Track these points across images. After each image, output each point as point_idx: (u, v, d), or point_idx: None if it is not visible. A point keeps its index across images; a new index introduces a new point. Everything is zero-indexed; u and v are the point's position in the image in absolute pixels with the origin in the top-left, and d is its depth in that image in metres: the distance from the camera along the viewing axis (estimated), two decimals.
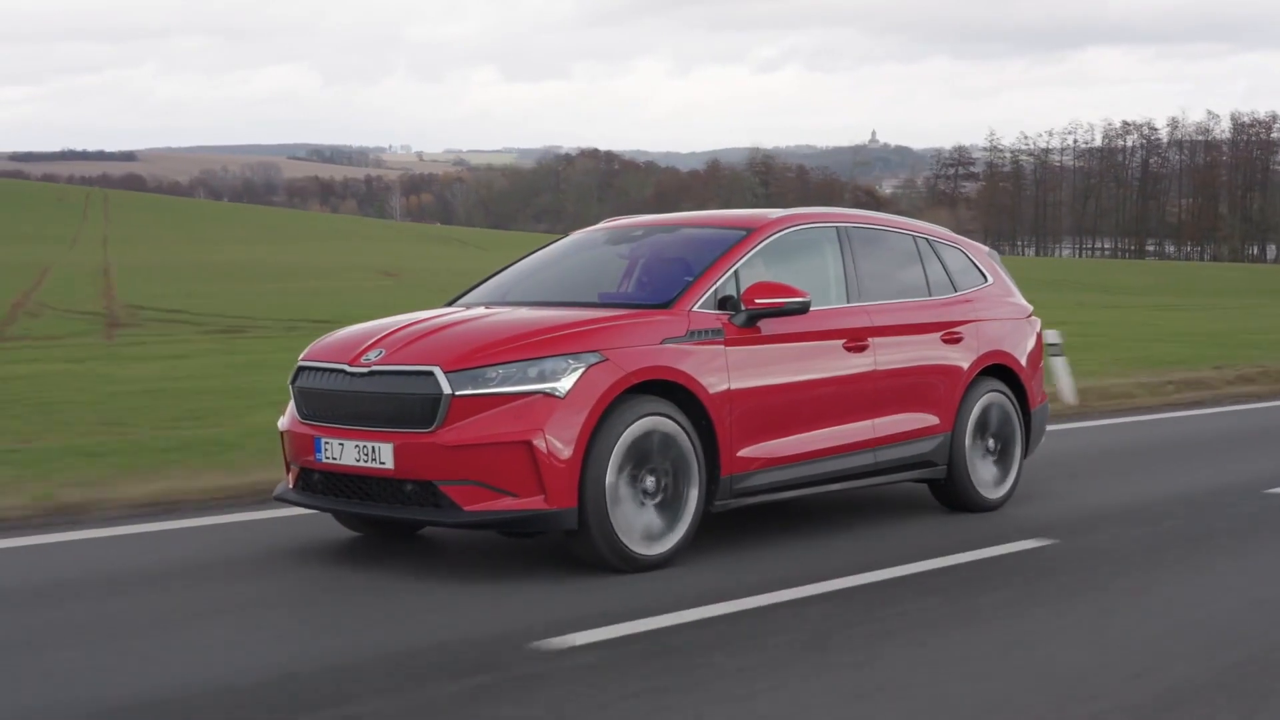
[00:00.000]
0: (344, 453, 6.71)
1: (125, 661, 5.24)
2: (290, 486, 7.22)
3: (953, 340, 8.52)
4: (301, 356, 7.25)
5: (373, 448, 6.60)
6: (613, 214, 12.02)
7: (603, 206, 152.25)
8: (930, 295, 8.61)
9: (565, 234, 9.15)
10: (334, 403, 6.85)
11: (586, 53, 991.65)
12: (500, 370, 6.50)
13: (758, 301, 7.21)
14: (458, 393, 6.45)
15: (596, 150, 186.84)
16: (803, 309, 7.34)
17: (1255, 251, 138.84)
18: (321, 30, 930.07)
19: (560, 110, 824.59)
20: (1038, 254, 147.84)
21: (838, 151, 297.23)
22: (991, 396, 8.71)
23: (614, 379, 6.58)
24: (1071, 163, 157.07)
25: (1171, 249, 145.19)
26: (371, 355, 6.81)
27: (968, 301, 8.82)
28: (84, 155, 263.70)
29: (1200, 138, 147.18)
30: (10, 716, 4.57)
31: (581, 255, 8.44)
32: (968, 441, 8.51)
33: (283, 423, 7.33)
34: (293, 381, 7.20)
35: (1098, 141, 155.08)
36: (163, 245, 77.26)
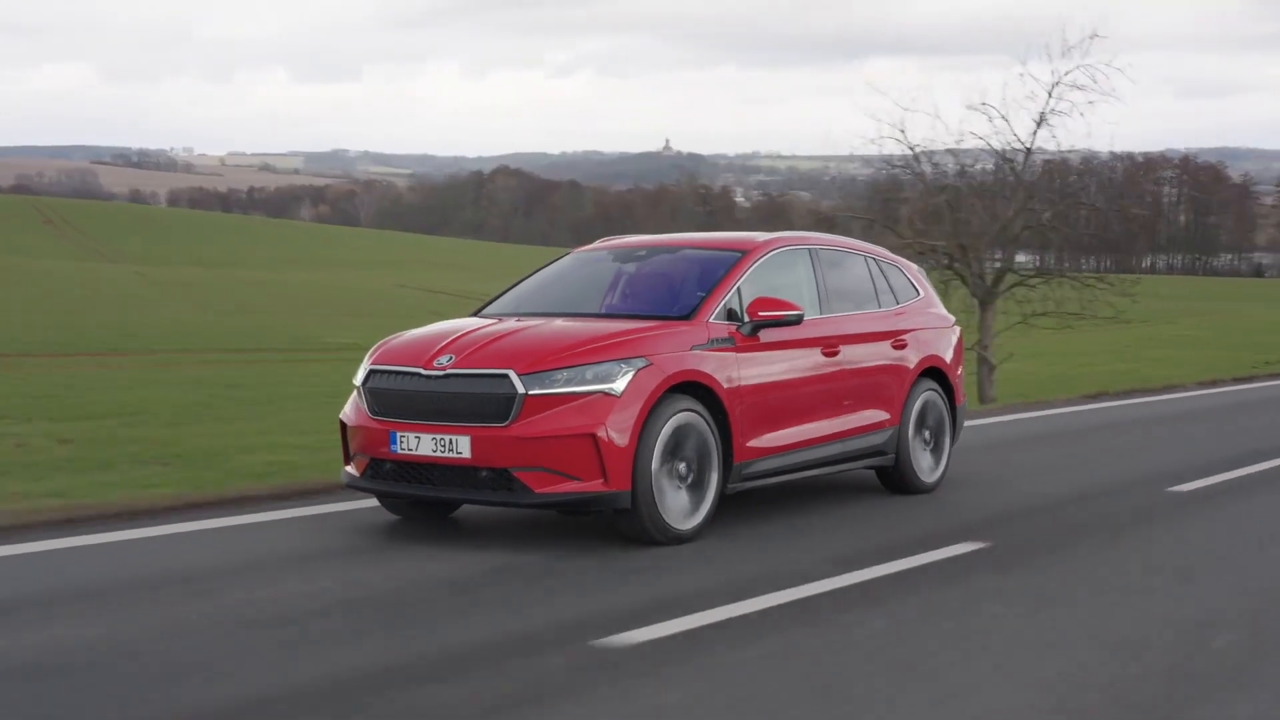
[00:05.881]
0: (420, 445, 7.75)
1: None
2: (358, 474, 8.22)
3: (900, 346, 9.90)
4: (371, 361, 8.26)
5: (450, 440, 7.66)
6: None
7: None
8: (880, 307, 9.97)
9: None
10: (410, 401, 7.88)
11: (380, 55, 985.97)
12: (565, 373, 7.63)
13: (761, 314, 8.48)
14: (530, 392, 7.57)
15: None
16: (798, 320, 8.65)
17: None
18: (108, 28, 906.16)
19: (349, 112, 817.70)
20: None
21: (624, 159, 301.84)
22: (928, 395, 10.13)
23: (658, 380, 7.78)
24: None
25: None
26: (443, 360, 7.87)
27: (907, 313, 10.21)
28: None
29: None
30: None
31: (588, 270, 9.57)
32: (910, 433, 9.91)
33: (349, 418, 8.31)
34: (363, 383, 8.21)
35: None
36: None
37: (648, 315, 8.55)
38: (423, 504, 8.41)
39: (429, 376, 7.87)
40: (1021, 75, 21.90)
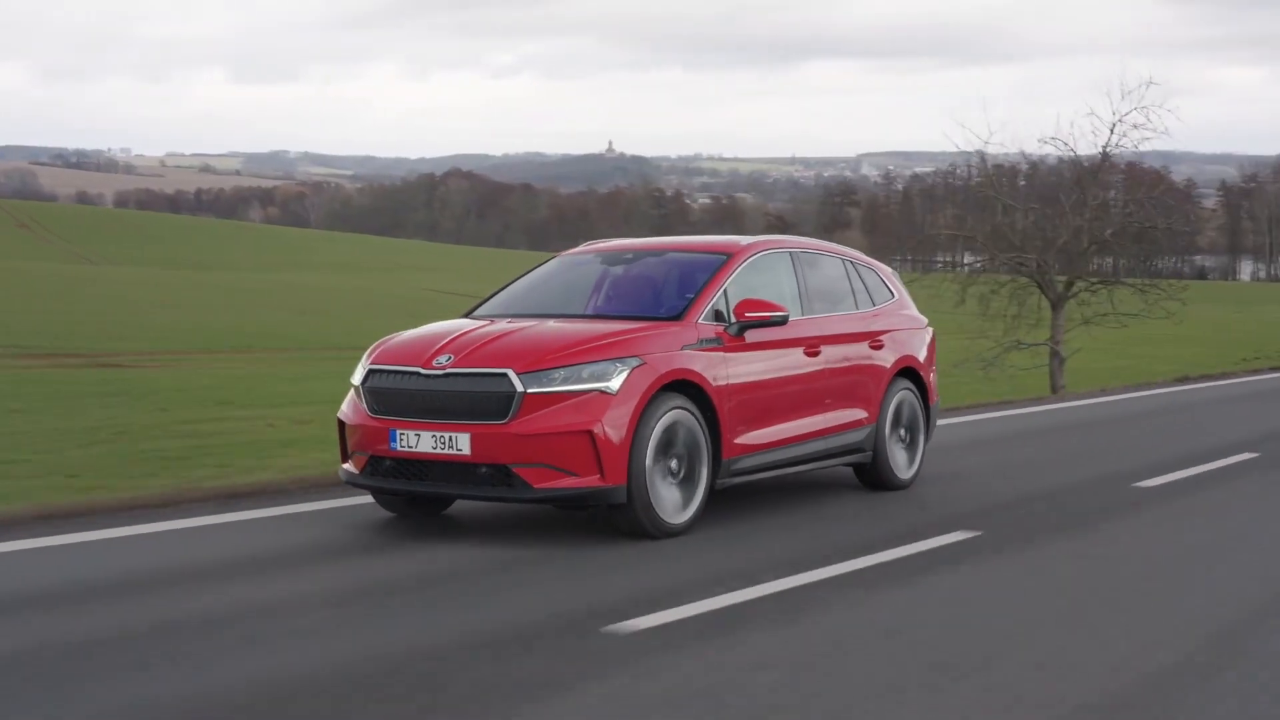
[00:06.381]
0: (420, 442, 7.95)
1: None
2: (357, 472, 8.40)
3: (877, 347, 10.19)
4: (370, 361, 8.45)
5: (449, 437, 7.86)
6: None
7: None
8: (857, 309, 10.25)
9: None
10: (410, 400, 8.08)
11: (320, 55, 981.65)
12: (562, 372, 7.86)
13: (748, 315, 8.74)
14: (529, 390, 7.79)
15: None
16: (783, 321, 8.92)
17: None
18: (42, 26, 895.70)
19: (289, 113, 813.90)
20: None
21: (568, 161, 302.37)
22: (903, 394, 10.42)
23: (651, 379, 8.02)
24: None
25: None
26: (442, 359, 8.08)
27: (883, 314, 10.49)
28: None
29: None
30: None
31: (576, 273, 9.79)
32: (887, 431, 10.19)
33: (347, 416, 8.48)
34: (363, 382, 8.39)
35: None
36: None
37: (639, 316, 8.78)
38: (419, 500, 8.61)
39: (428, 375, 8.06)
40: (1089, 115, 29.45)
